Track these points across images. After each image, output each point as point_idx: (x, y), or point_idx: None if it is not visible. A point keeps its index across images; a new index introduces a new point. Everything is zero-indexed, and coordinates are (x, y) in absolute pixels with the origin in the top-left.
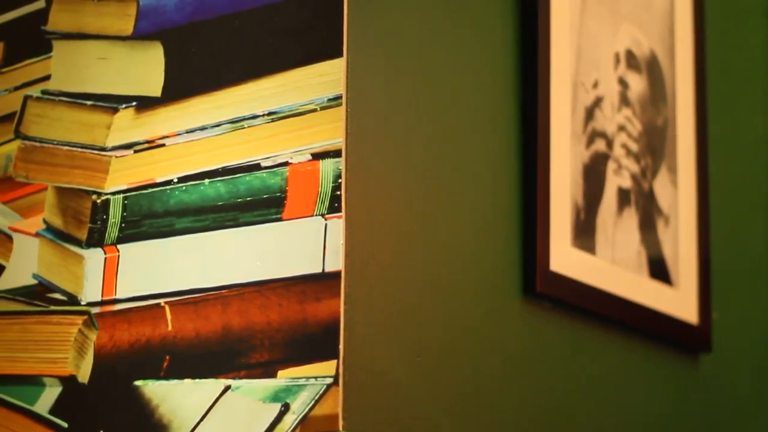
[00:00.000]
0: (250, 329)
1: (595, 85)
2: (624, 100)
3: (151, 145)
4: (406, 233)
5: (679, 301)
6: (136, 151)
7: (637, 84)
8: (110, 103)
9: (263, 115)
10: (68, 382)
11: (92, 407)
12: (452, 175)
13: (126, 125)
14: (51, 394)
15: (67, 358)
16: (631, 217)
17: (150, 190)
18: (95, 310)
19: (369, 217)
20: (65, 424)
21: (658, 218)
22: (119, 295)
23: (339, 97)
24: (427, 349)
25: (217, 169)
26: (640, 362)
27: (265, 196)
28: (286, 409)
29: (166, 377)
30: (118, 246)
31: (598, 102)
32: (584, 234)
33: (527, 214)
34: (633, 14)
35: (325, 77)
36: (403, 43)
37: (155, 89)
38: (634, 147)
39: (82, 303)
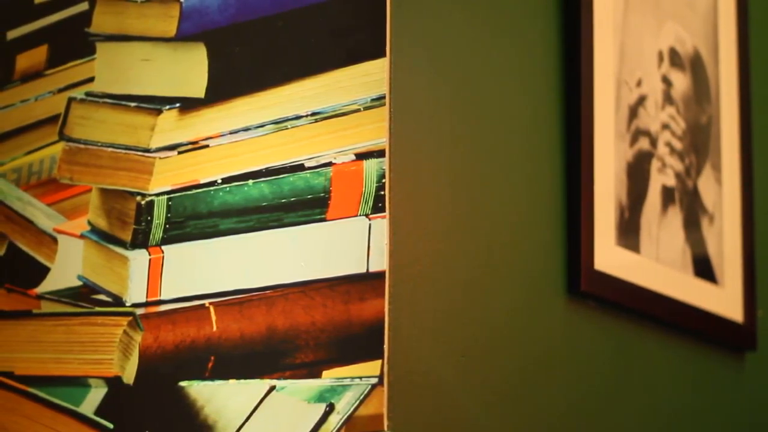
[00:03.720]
0: (295, 330)
1: (639, 83)
2: (668, 98)
3: (195, 146)
4: (450, 233)
5: (724, 299)
6: (180, 153)
7: (681, 82)
8: (154, 104)
9: (307, 116)
10: (113, 383)
11: (137, 408)
12: (496, 174)
13: (170, 126)
14: (96, 395)
15: (113, 359)
16: (675, 216)
17: (194, 191)
18: (140, 311)
19: (413, 217)
20: (111, 425)
21: (703, 216)
22: (164, 296)
23: (382, 97)
24: (472, 349)
25: (261, 170)
26: (686, 361)
27: (309, 197)
28: (331, 409)
29: (211, 378)
30: (163, 247)
31: (641, 100)
32: (628, 232)
33: (571, 212)
34: (676, 12)
35: (369, 77)
36: (446, 43)
37: (199, 90)
38: (678, 145)
39: (127, 304)
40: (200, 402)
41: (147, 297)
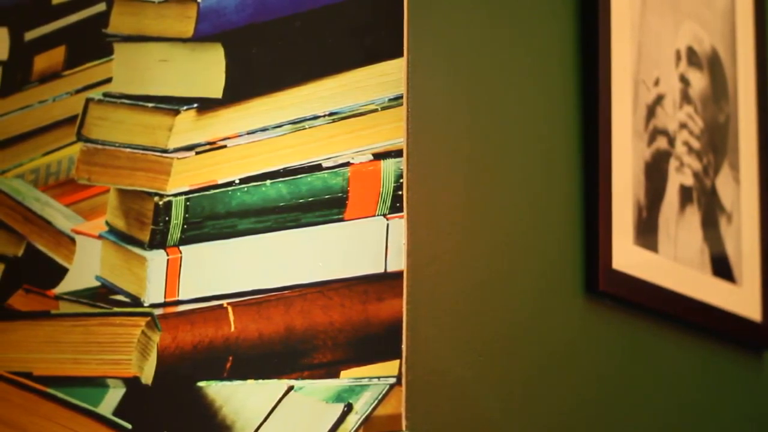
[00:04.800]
0: (313, 330)
1: (657, 82)
2: (685, 98)
3: (213, 146)
4: (467, 232)
5: (743, 298)
6: (197, 153)
7: (699, 81)
8: (171, 105)
9: (324, 116)
10: (132, 383)
11: (156, 408)
12: (513, 173)
13: (187, 127)
14: (115, 395)
15: (131, 359)
16: (693, 215)
17: (212, 192)
18: (158, 311)
19: (430, 217)
20: (129, 426)
21: (721, 216)
22: (182, 297)
23: (400, 97)
24: (490, 348)
25: (279, 170)
26: (704, 360)
27: (326, 197)
28: (349, 409)
29: (229, 378)
30: (181, 247)
31: (659, 99)
32: (646, 232)
33: (589, 212)
34: (694, 11)
35: (386, 77)
36: (464, 42)
37: (216, 91)
38: (695, 144)
39: (145, 304)
40: (218, 402)
41: (165, 297)
